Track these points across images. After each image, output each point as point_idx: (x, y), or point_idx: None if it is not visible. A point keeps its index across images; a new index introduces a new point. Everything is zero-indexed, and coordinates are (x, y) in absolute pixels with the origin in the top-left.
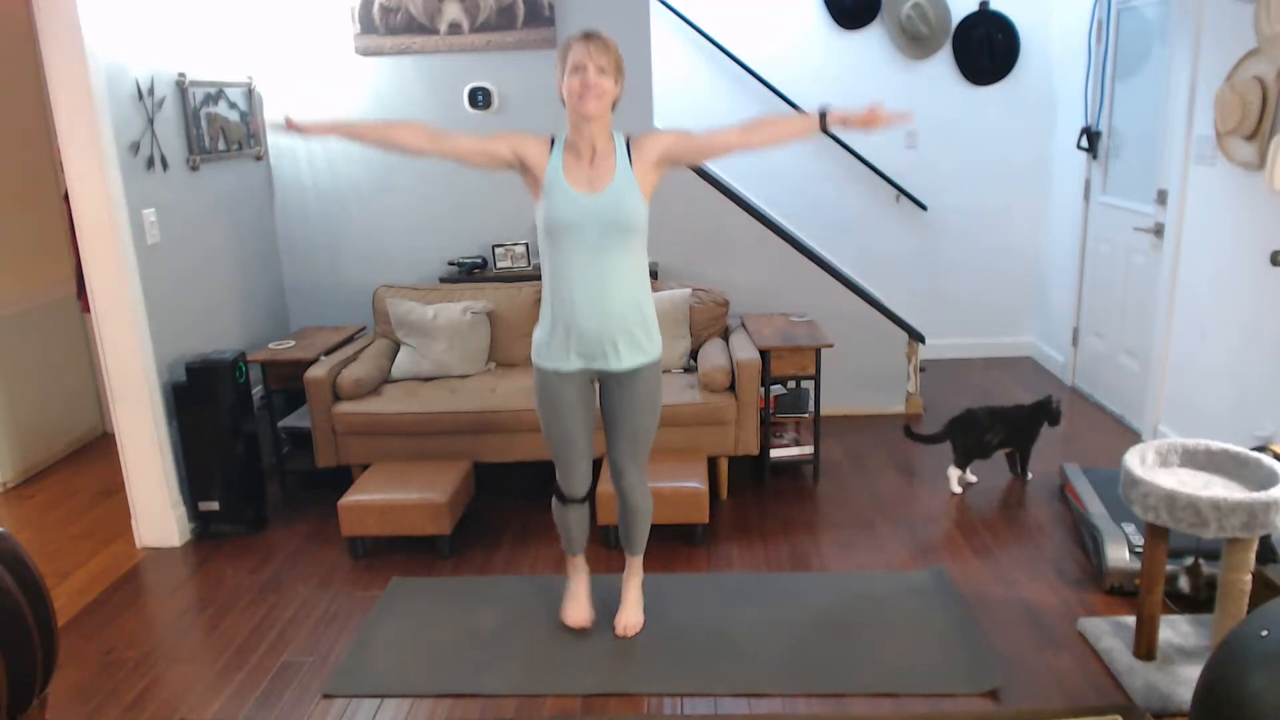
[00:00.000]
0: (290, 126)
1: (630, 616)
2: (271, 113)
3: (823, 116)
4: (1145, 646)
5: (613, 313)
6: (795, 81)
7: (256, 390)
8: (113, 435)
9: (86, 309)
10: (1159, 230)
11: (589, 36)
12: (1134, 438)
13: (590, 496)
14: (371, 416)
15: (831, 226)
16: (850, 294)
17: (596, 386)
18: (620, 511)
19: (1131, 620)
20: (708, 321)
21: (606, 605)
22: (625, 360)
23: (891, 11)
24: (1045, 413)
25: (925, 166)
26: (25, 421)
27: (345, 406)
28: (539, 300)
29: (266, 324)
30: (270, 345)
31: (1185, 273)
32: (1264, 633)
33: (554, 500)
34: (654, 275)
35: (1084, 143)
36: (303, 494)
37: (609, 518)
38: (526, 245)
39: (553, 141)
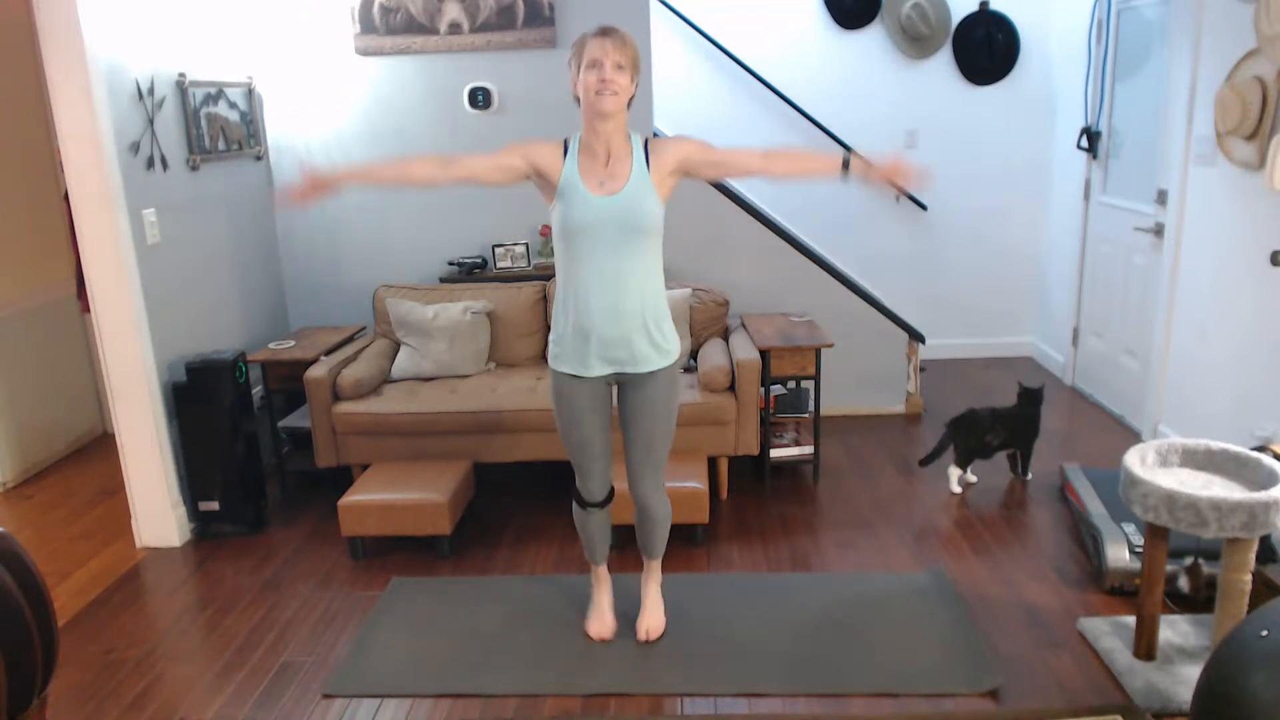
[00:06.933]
0: (307, 178)
1: (651, 620)
2: (272, 115)
3: (846, 161)
4: (1145, 646)
5: (629, 314)
6: (795, 81)
7: (256, 390)
8: (113, 435)
9: (86, 309)
10: (1159, 230)
11: (606, 32)
12: (1134, 438)
13: (609, 500)
14: (371, 416)
15: (831, 226)
16: (850, 294)
17: (614, 389)
18: (637, 518)
19: (1131, 620)
20: (708, 321)
21: (616, 607)
22: (642, 363)
23: (891, 11)
24: (1034, 399)
25: (925, 167)
26: (25, 421)
27: (345, 406)
28: (539, 300)
29: (266, 324)
30: (270, 345)
31: (1185, 273)
32: (1264, 633)
33: (574, 506)
34: (661, 238)
35: (1084, 143)
36: (303, 494)
37: (621, 518)
38: (526, 245)
39: (566, 144)
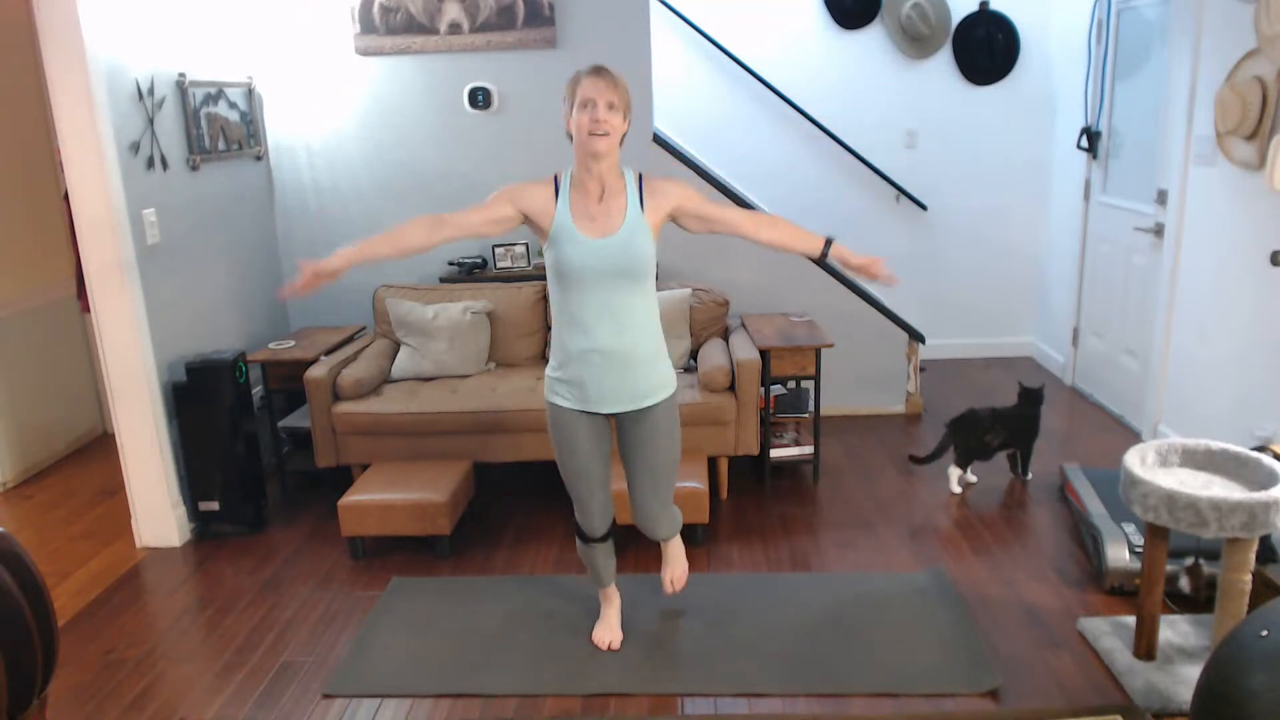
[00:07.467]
0: (307, 270)
1: (675, 569)
2: (272, 115)
3: (828, 243)
4: (1145, 646)
5: (625, 353)
6: (795, 81)
7: (256, 390)
8: (113, 435)
9: (86, 309)
10: (1159, 230)
11: (598, 71)
12: (1134, 438)
13: (612, 533)
14: (371, 416)
15: (831, 226)
16: (850, 294)
17: (613, 422)
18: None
19: (1131, 620)
20: (708, 321)
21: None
22: (639, 399)
23: (891, 11)
24: (1034, 399)
25: (925, 166)
26: (25, 421)
27: (345, 406)
28: (539, 300)
29: (266, 324)
30: (270, 345)
31: (1185, 273)
32: (1264, 633)
33: (577, 540)
34: (655, 276)
35: (1084, 143)
36: (303, 494)
37: (621, 518)
38: (526, 245)
39: (557, 181)
